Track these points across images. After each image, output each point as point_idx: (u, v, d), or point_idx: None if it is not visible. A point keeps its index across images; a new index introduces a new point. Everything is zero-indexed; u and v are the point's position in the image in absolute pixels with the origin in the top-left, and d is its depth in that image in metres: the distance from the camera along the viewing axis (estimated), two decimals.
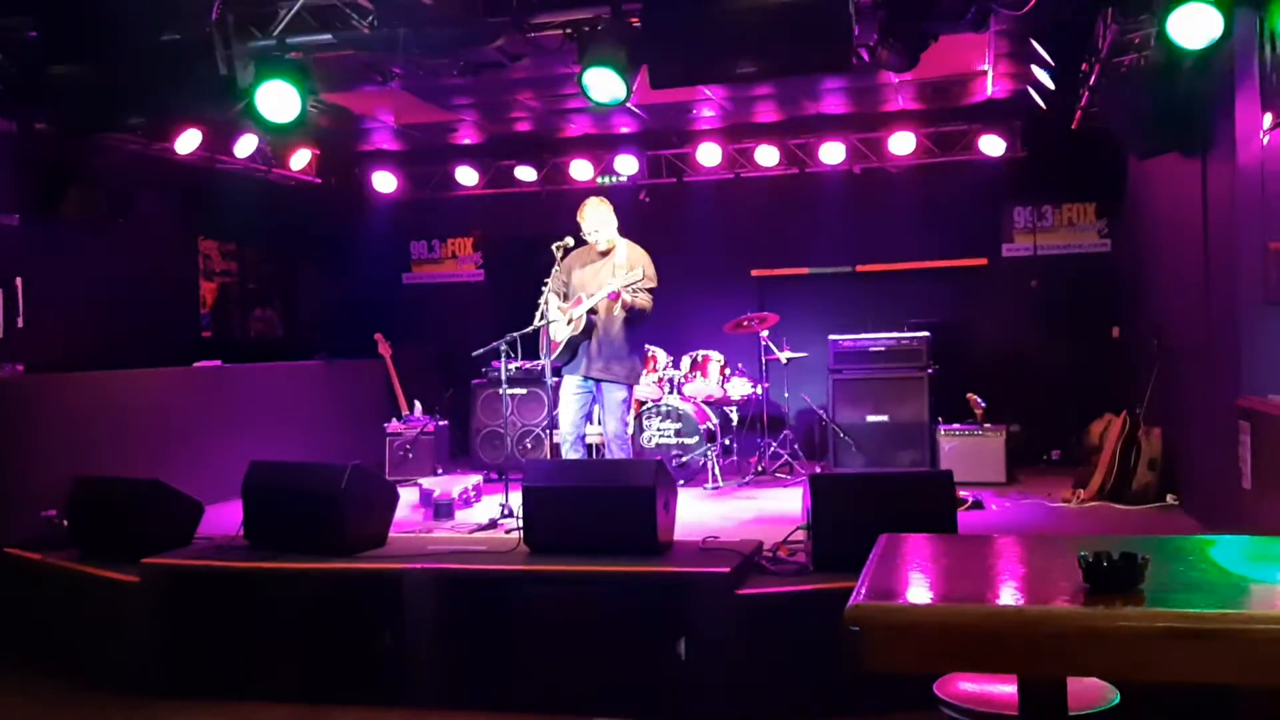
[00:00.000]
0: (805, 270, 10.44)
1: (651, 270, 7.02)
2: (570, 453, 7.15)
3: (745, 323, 8.99)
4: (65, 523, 6.23)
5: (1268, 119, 5.15)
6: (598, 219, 7.09)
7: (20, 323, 6.97)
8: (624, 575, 4.97)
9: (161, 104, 6.33)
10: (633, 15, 5.82)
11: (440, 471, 9.10)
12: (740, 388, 9.12)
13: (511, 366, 7.20)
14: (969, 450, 8.24)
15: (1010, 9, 5.63)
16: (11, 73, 6.14)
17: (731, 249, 10.48)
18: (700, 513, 7.17)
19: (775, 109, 9.66)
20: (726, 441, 9.08)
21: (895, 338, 8.79)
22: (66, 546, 6.14)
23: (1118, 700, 2.86)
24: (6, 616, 6.21)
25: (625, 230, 7.28)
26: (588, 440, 7.60)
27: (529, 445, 9.04)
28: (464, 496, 7.56)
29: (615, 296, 6.86)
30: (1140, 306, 8.32)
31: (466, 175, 10.68)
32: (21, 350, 6.94)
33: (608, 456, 7.20)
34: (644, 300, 6.94)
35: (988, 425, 8.30)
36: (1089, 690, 2.87)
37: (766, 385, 9.21)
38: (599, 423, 7.42)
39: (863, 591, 2.55)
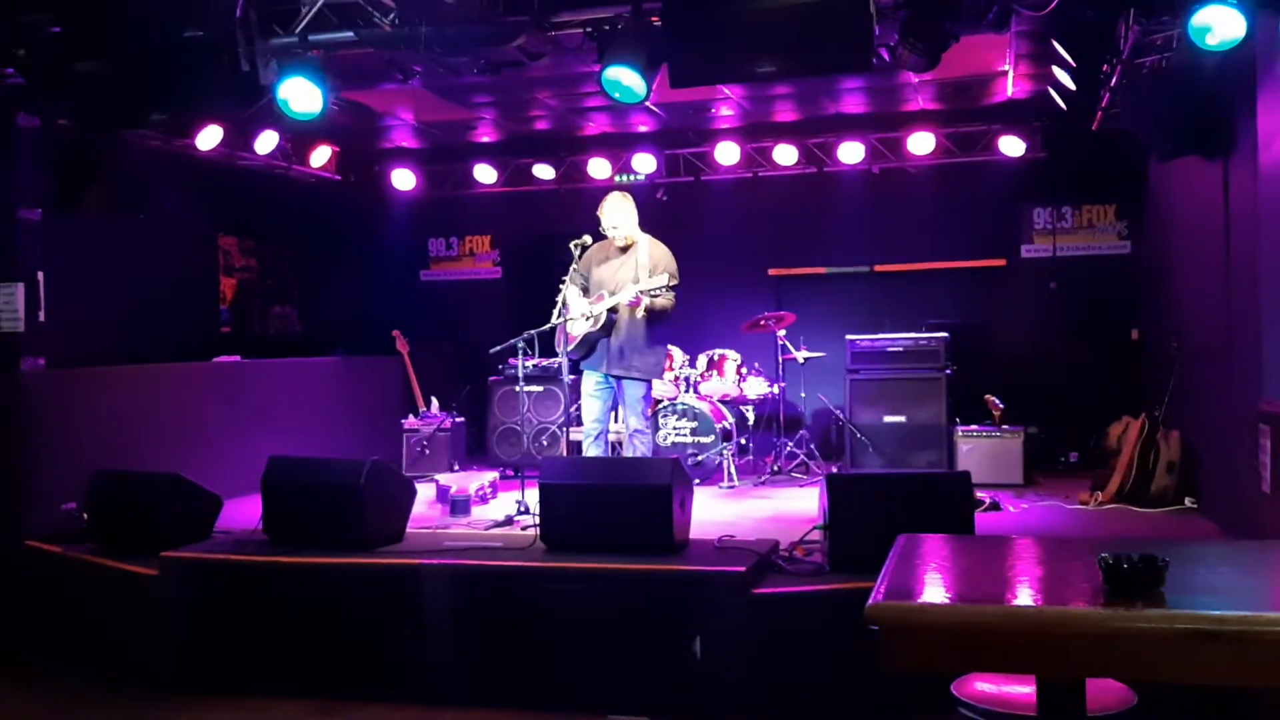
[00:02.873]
0: (823, 270, 10.43)
1: (674, 268, 7.02)
2: (592, 449, 7.17)
3: (762, 322, 8.99)
4: (85, 516, 6.28)
5: None
6: (618, 215, 7.10)
7: (41, 317, 7.01)
8: (640, 573, 4.98)
9: (183, 101, 6.34)
10: (653, 14, 5.81)
11: (457, 468, 9.13)
12: (757, 387, 9.12)
13: (528, 364, 7.22)
14: (986, 452, 8.22)
15: (1032, 9, 5.61)
16: (34, 68, 6.17)
17: (749, 248, 10.47)
18: (716, 512, 7.17)
19: (794, 108, 9.64)
20: (742, 441, 9.07)
21: (913, 338, 8.76)
22: (86, 540, 6.18)
23: (1136, 702, 2.86)
24: (26, 609, 6.26)
25: (643, 229, 7.28)
26: (610, 437, 7.62)
27: (545, 442, 9.06)
28: (480, 493, 7.59)
29: (636, 303, 6.88)
30: (1160, 309, 8.28)
31: (485, 173, 10.70)
32: (43, 345, 6.98)
33: (627, 453, 7.22)
34: (665, 301, 6.95)
35: (1005, 427, 8.27)
36: (1107, 691, 2.87)
37: (783, 385, 9.20)
38: (621, 419, 7.44)
39: (882, 591, 2.55)
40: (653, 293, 6.81)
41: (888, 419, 8.65)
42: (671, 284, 6.91)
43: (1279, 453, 5.10)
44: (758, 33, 5.61)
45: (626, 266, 7.06)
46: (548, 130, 10.22)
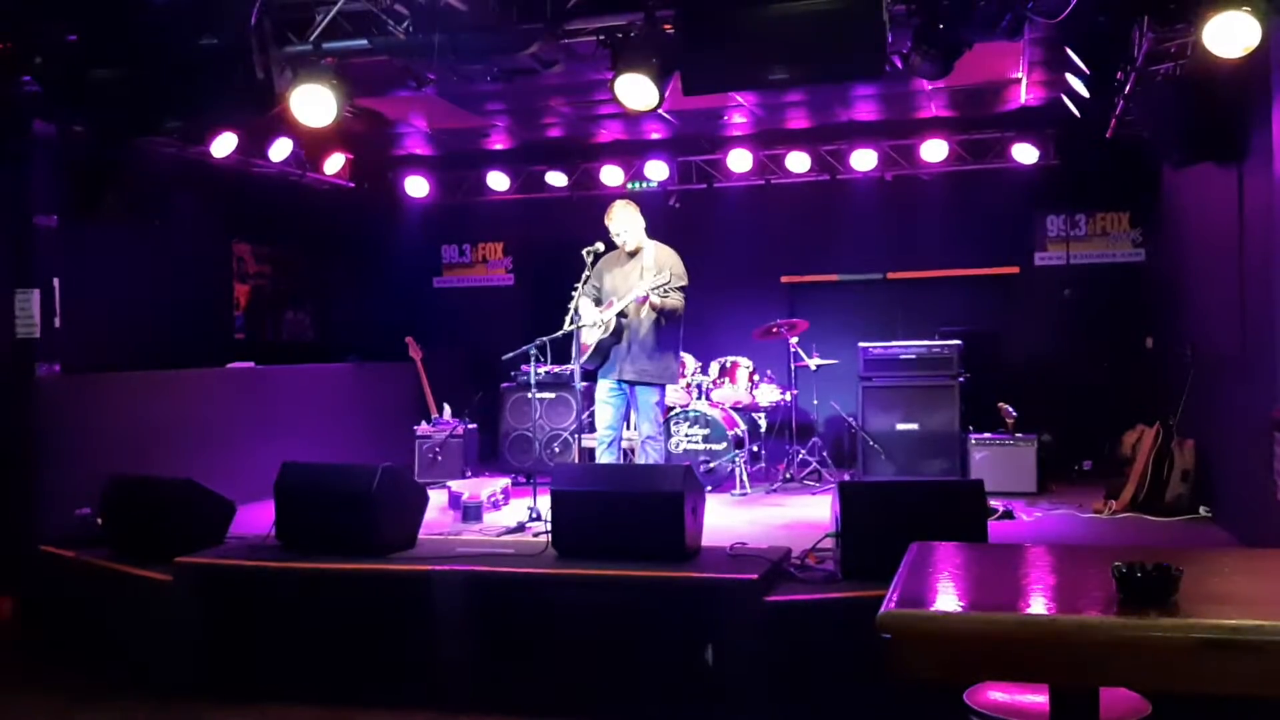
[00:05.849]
0: (835, 277, 10.42)
1: (680, 269, 7.04)
2: (605, 456, 7.17)
3: (775, 329, 8.98)
4: (99, 521, 6.30)
5: None
6: (624, 221, 7.14)
7: (57, 323, 7.05)
8: (651, 580, 4.97)
9: (198, 108, 6.38)
10: (666, 22, 5.82)
11: (469, 474, 9.13)
12: (769, 394, 9.11)
13: (541, 370, 7.22)
14: (1000, 460, 8.19)
15: (1045, 17, 5.60)
16: (51, 76, 6.21)
17: (762, 255, 10.47)
18: (728, 519, 7.16)
19: (807, 115, 9.64)
20: (754, 448, 9.06)
21: (926, 346, 8.74)
22: (100, 544, 6.20)
23: (1150, 711, 2.85)
24: (40, 613, 6.28)
25: (655, 236, 7.31)
26: (623, 445, 7.62)
27: (557, 449, 9.06)
28: (492, 499, 7.59)
29: (643, 301, 6.89)
30: (1174, 316, 8.25)
31: (498, 180, 10.73)
32: (58, 350, 7.02)
33: (639, 459, 7.22)
34: (674, 301, 6.96)
35: (1019, 435, 8.24)
36: (1121, 701, 2.85)
37: (795, 392, 9.19)
38: (633, 426, 7.45)
39: (894, 599, 2.55)
40: (659, 291, 6.81)
41: (900, 426, 8.63)
42: (679, 285, 6.92)
43: None
44: (770, 40, 5.62)
45: (635, 271, 7.09)
46: (560, 137, 10.24)
